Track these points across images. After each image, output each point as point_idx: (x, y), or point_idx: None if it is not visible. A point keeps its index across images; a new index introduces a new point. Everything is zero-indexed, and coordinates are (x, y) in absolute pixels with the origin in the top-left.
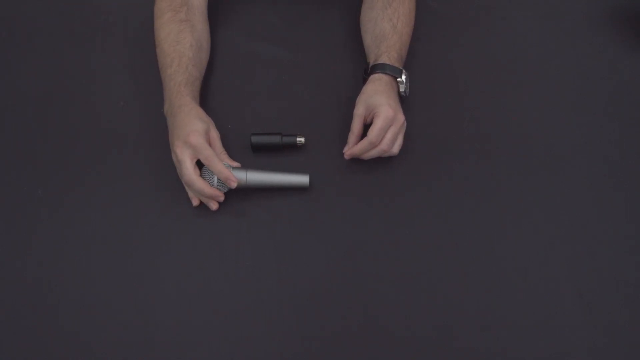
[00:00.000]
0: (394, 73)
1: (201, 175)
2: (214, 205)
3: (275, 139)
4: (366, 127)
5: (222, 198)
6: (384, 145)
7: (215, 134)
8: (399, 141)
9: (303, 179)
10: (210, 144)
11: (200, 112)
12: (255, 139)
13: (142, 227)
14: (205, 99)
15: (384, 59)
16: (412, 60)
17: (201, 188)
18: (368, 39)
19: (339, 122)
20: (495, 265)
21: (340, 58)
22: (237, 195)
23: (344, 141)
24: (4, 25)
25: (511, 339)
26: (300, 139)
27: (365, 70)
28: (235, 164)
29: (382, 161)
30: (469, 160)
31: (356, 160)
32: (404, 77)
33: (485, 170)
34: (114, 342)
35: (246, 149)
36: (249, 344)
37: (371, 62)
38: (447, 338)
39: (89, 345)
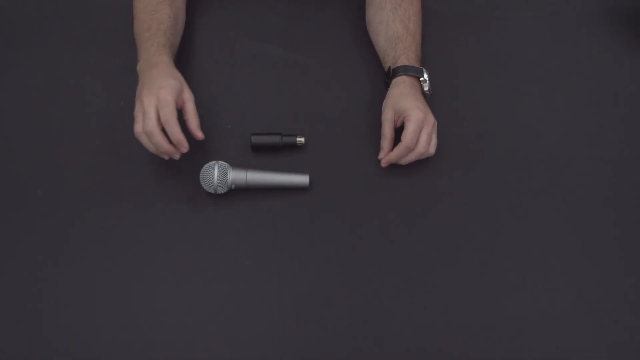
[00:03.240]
0: (416, 73)
1: (204, 170)
2: (166, 157)
3: (275, 139)
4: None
5: (177, 156)
6: (420, 147)
7: (188, 96)
8: (434, 141)
9: (303, 179)
10: (183, 106)
11: (176, 72)
12: (255, 139)
13: (142, 226)
14: (205, 99)
15: (403, 61)
16: None
17: (160, 142)
18: (381, 41)
19: (339, 122)
20: (495, 265)
21: (341, 58)
22: (237, 195)
23: (344, 141)
24: (4, 25)
25: (511, 339)
26: (300, 139)
27: (386, 74)
28: (199, 134)
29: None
30: (469, 160)
31: (355, 161)
32: (425, 75)
33: (485, 170)
34: (114, 342)
35: (246, 149)
36: (248, 344)
37: (390, 65)
38: (447, 337)
39: (88, 345)
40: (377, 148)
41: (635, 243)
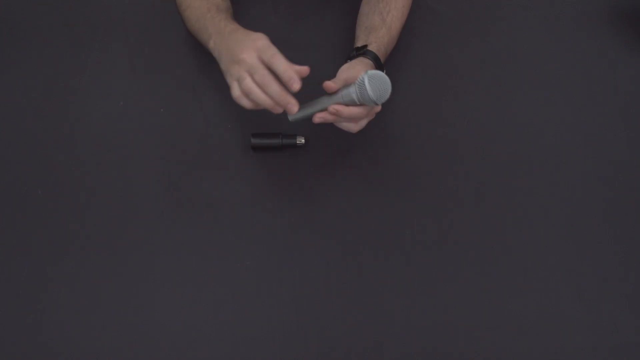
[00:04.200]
0: (378, 67)
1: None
2: (279, 109)
3: (275, 140)
4: None
5: (294, 100)
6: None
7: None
8: (363, 123)
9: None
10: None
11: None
12: (255, 140)
13: (142, 227)
14: (204, 99)
15: (372, 48)
16: (412, 59)
17: (278, 89)
18: (358, 30)
19: None
20: (495, 265)
21: (341, 58)
22: (237, 195)
23: (344, 141)
24: (4, 25)
25: (511, 339)
26: (300, 139)
27: (356, 49)
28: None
29: (383, 161)
30: (468, 160)
31: (355, 161)
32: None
33: (485, 170)
34: (113, 342)
35: (246, 150)
36: (248, 345)
37: (362, 44)
38: (447, 337)
39: (88, 345)
40: (377, 149)
41: (635, 243)
